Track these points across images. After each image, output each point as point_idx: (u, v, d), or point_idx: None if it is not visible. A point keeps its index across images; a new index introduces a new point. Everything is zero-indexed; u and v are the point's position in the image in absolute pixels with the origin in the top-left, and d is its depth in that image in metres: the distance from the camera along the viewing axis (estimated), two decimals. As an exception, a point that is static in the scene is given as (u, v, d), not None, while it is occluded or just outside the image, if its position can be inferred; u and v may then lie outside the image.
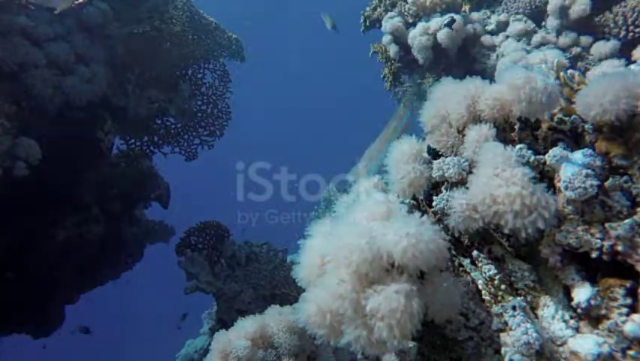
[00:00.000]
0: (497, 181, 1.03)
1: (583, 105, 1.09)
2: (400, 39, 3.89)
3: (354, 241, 0.99)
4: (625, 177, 1.04)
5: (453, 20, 3.47)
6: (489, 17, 3.73)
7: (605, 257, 0.99)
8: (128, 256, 5.09)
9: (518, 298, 1.08)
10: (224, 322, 3.73)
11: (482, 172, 1.07)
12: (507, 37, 3.51)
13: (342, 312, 0.98)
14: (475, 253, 1.17)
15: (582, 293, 1.00)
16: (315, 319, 1.02)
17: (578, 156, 1.05)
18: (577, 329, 1.01)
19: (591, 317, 1.00)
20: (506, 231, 1.03)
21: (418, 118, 1.36)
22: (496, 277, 1.12)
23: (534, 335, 1.00)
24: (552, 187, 1.10)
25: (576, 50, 3.18)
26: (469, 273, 1.19)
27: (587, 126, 1.14)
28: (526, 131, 1.21)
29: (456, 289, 1.10)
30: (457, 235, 1.21)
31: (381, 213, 1.06)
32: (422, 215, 1.06)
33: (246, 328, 1.82)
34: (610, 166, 1.07)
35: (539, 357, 1.00)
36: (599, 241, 1.00)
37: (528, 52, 3.27)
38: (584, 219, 1.02)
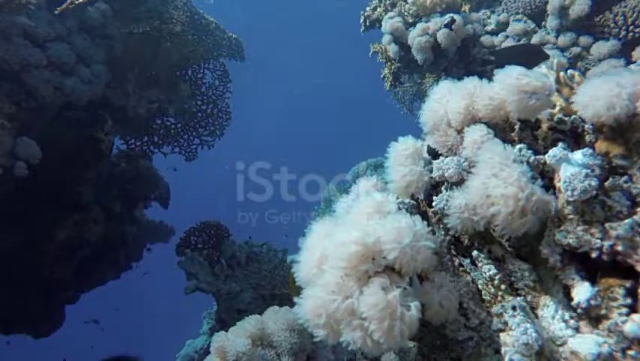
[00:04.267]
0: (495, 181, 1.03)
1: (580, 105, 1.09)
2: (399, 39, 3.89)
3: (350, 240, 0.99)
4: (625, 177, 1.04)
5: (453, 20, 3.47)
6: (489, 17, 3.73)
7: (604, 257, 0.99)
8: (128, 256, 5.09)
9: (518, 298, 1.08)
10: (225, 322, 3.73)
11: (480, 172, 1.07)
12: (507, 37, 3.51)
13: (338, 311, 0.98)
14: (475, 253, 1.17)
15: (582, 293, 1.00)
16: (313, 317, 1.02)
17: (578, 156, 1.05)
18: (577, 329, 1.01)
19: (591, 316, 1.00)
20: (497, 232, 1.03)
21: (418, 118, 1.36)
22: (496, 277, 1.12)
23: (534, 335, 1.00)
24: (552, 187, 1.10)
25: (576, 49, 3.19)
26: (469, 273, 1.19)
27: (587, 126, 1.14)
28: (526, 131, 1.21)
29: (454, 289, 1.10)
30: (456, 235, 1.21)
31: (378, 212, 1.06)
32: (422, 215, 1.06)
33: (245, 327, 1.82)
34: (610, 166, 1.07)
35: (539, 357, 0.99)
36: (598, 241, 0.99)
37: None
38: (584, 219, 1.02)
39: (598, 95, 1.04)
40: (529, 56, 2.10)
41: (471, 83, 1.25)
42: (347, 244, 0.99)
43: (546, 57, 2.06)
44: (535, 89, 1.12)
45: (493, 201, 1.02)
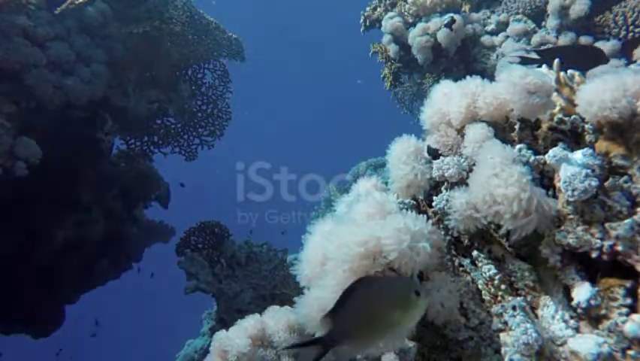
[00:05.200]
0: (496, 181, 1.03)
1: (584, 101, 1.09)
2: (399, 39, 3.89)
3: (351, 240, 1.00)
4: (625, 177, 1.04)
5: (453, 20, 3.47)
6: (489, 17, 3.73)
7: (605, 257, 0.99)
8: (128, 257, 5.09)
9: (518, 298, 1.08)
10: (225, 322, 3.72)
11: (481, 172, 1.07)
12: (507, 37, 3.51)
13: None
14: (475, 253, 1.18)
15: (582, 293, 1.00)
16: (316, 318, 1.02)
17: (578, 156, 1.05)
18: (577, 329, 1.01)
19: (591, 316, 1.00)
20: (503, 230, 1.03)
21: (417, 118, 1.36)
22: (496, 277, 1.12)
23: (534, 335, 1.00)
24: (552, 187, 1.10)
25: (576, 50, 3.18)
26: (469, 273, 1.19)
27: (587, 126, 1.15)
28: (526, 131, 1.21)
29: (455, 289, 1.10)
30: (457, 235, 1.21)
31: (379, 212, 1.06)
32: (421, 215, 1.06)
33: (245, 327, 1.82)
34: (610, 166, 1.07)
35: (539, 357, 1.00)
36: (599, 241, 1.00)
37: (528, 52, 3.27)
38: (584, 219, 1.02)
39: (604, 91, 1.04)
40: (585, 58, 1.83)
41: (473, 82, 1.24)
42: (348, 244, 1.00)
43: (605, 60, 1.81)
44: (540, 88, 1.11)
45: (496, 200, 1.02)
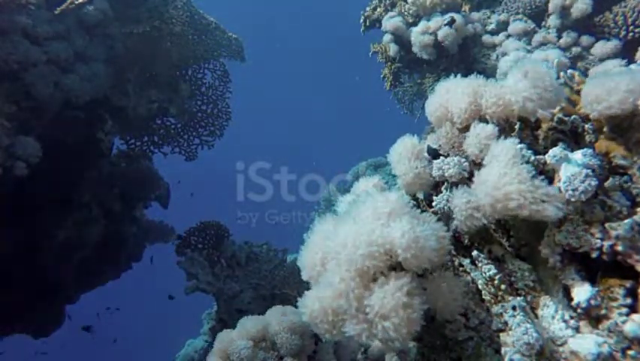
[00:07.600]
0: (506, 179, 1.03)
1: (591, 97, 1.08)
2: (400, 39, 3.88)
3: (355, 239, 0.99)
4: (625, 177, 1.04)
5: (453, 20, 3.47)
6: (489, 17, 3.73)
7: (605, 257, 0.99)
8: (128, 256, 5.09)
9: (518, 298, 1.08)
10: (225, 322, 3.72)
11: (490, 171, 1.07)
12: (508, 36, 3.51)
13: (345, 310, 0.98)
14: (475, 253, 1.17)
15: (582, 293, 1.00)
16: (318, 317, 1.02)
17: (578, 156, 1.05)
18: (577, 329, 1.01)
19: (591, 316, 1.00)
20: (536, 218, 1.02)
21: (417, 118, 1.36)
22: (496, 277, 1.12)
23: (534, 335, 1.00)
24: (552, 187, 1.09)
25: (576, 49, 3.18)
26: (469, 273, 1.19)
27: (587, 126, 1.14)
28: (526, 131, 1.21)
29: (458, 286, 1.10)
30: (458, 234, 1.21)
31: (384, 211, 1.06)
32: (429, 214, 1.06)
33: (248, 328, 1.82)
34: (610, 166, 1.07)
35: (539, 357, 0.99)
36: (599, 241, 0.99)
37: (529, 51, 3.27)
38: (584, 219, 1.02)
39: (615, 89, 1.04)
40: None
41: (476, 80, 1.24)
42: (353, 243, 0.99)
43: None
44: (550, 86, 1.11)
45: (509, 196, 1.02)
